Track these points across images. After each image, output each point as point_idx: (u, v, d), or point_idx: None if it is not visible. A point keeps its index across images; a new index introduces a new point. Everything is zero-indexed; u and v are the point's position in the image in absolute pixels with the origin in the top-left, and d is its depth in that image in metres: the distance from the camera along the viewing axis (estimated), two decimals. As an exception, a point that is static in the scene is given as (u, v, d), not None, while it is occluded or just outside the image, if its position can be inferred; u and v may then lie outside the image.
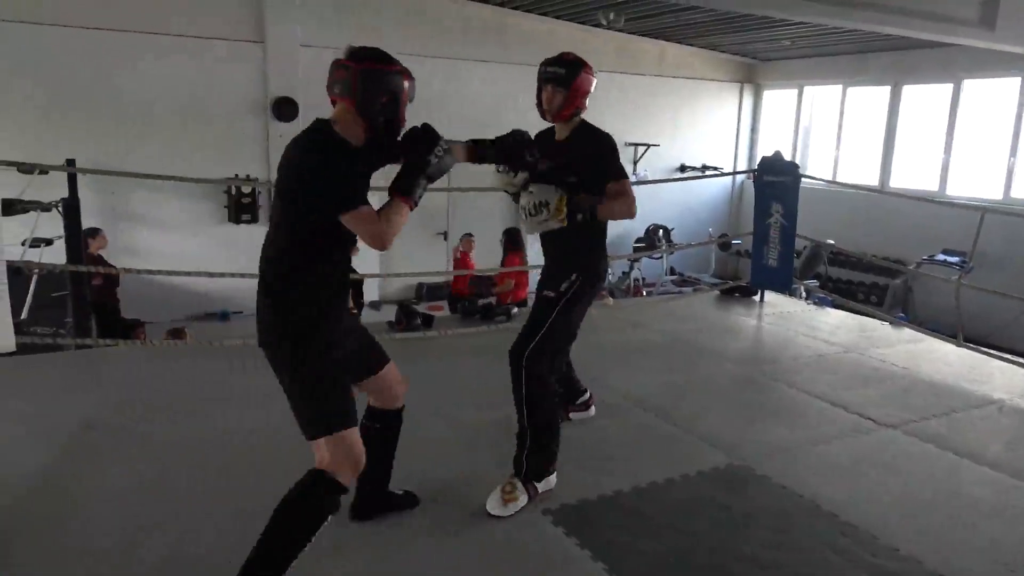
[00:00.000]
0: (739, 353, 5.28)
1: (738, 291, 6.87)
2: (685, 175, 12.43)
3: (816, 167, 11.82)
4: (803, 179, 6.21)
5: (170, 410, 3.87)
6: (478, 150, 2.73)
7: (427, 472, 3.16)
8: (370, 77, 2.23)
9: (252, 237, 9.17)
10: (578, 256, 3.10)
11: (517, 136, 2.82)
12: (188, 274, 6.00)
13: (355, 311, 7.20)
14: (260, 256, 2.33)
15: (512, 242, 8.26)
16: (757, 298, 6.69)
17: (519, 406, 3.00)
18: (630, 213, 2.98)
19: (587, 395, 3.83)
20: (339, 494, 2.25)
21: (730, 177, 13.04)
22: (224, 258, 8.68)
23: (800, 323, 6.06)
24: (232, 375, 4.42)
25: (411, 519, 2.85)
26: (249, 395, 3.97)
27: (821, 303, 7.22)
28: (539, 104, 3.10)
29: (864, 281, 10.69)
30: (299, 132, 2.29)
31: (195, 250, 8.74)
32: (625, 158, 11.95)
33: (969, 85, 9.95)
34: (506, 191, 3.16)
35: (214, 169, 8.68)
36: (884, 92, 10.86)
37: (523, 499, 2.93)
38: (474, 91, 10.42)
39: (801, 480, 3.28)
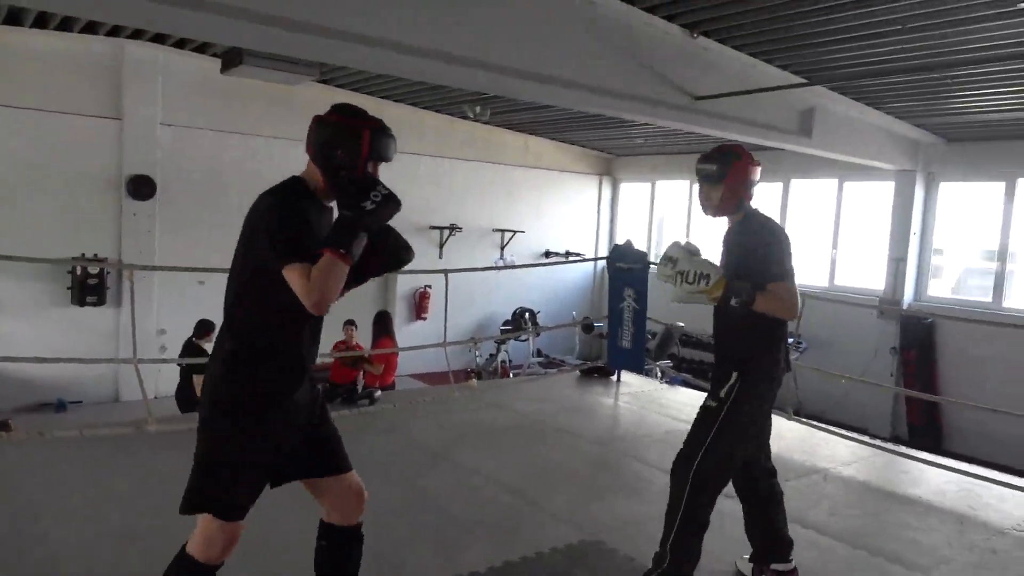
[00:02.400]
0: (594, 431, 5.46)
1: (596, 372, 7.15)
2: (550, 260, 12.94)
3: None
4: (653, 266, 6.67)
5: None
6: None
7: None
8: (325, 127, 2.19)
9: (97, 320, 8.68)
10: (738, 355, 2.83)
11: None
12: (14, 360, 5.53)
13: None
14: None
15: (383, 326, 8.18)
16: (614, 378, 6.98)
17: (669, 519, 2.81)
18: (787, 314, 2.73)
19: (792, 566, 3.12)
20: (207, 573, 2.14)
21: (592, 263, 13.70)
22: (63, 343, 8.10)
23: (652, 401, 6.37)
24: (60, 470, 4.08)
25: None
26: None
27: (673, 382, 7.63)
28: (701, 204, 2.92)
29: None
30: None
31: (29, 334, 8.09)
32: (492, 243, 12.41)
33: (796, 184, 11.14)
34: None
35: (58, 247, 8.16)
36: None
37: None
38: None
39: (647, 552, 3.39)
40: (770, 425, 3.08)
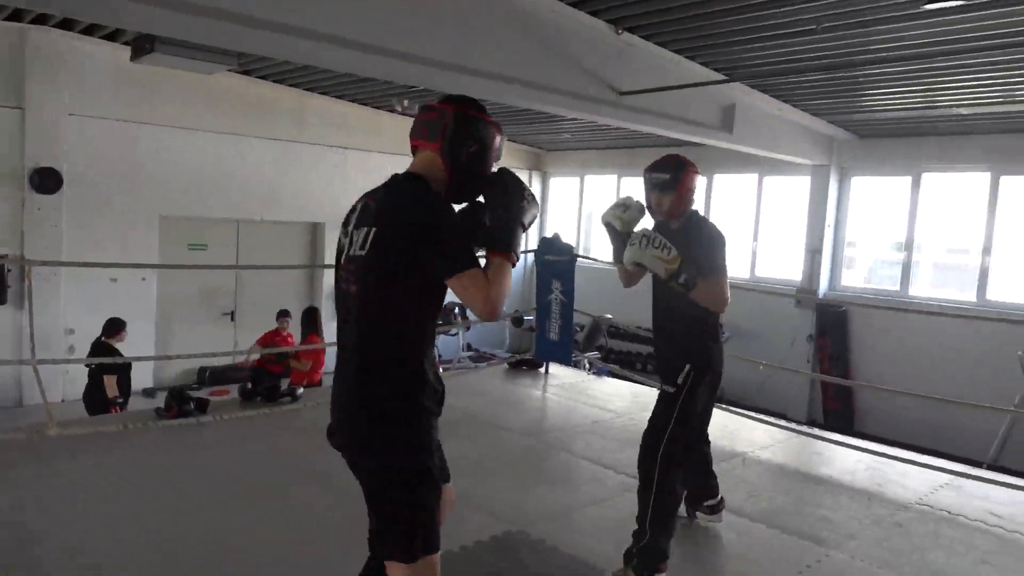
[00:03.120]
0: (522, 423, 5.48)
1: (525, 364, 7.18)
2: (479, 254, 12.91)
3: (599, 249, 12.84)
4: (581, 259, 6.73)
5: None
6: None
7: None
8: (464, 122, 2.03)
9: (-2, 320, 8.21)
10: (690, 348, 3.10)
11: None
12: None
13: (120, 399, 6.57)
14: (347, 354, 2.03)
15: (311, 322, 8.02)
16: (543, 370, 7.03)
17: (643, 500, 3.03)
18: (717, 304, 2.99)
19: (719, 499, 3.66)
20: None
21: (522, 256, 13.75)
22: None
23: (580, 392, 6.44)
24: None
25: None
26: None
27: (600, 373, 7.73)
28: (649, 207, 3.16)
29: (642, 352, 11.62)
30: (381, 189, 2.04)
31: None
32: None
33: (719, 179, 11.44)
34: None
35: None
36: (651, 183, 12.17)
37: None
38: (266, 167, 10.23)
39: (572, 541, 3.44)
40: (712, 404, 3.41)
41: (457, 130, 2.01)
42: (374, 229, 1.96)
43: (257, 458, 4.41)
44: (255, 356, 7.19)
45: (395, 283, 1.93)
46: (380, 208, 1.99)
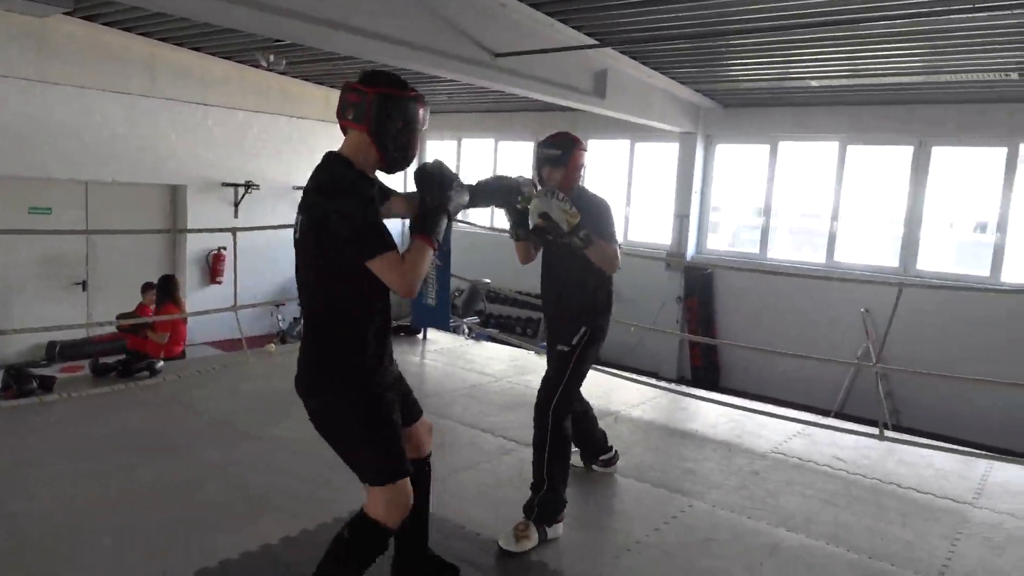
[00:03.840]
0: (400, 390, 5.41)
1: (403, 330, 7.08)
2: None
3: (476, 214, 12.80)
4: (458, 224, 6.66)
5: None
6: (474, 190, 2.64)
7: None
8: (386, 102, 2.18)
9: None
10: (585, 313, 3.34)
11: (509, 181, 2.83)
12: None
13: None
14: (303, 322, 2.34)
15: (166, 291, 7.49)
16: (421, 336, 6.95)
17: (539, 453, 3.22)
18: (611, 266, 3.26)
19: (612, 452, 3.99)
20: (387, 537, 2.31)
21: (398, 221, 13.51)
22: None
23: (458, 357, 6.44)
24: None
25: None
26: None
27: (479, 338, 7.76)
28: (540, 180, 3.31)
29: (521, 316, 11.78)
30: (315, 170, 2.27)
31: None
32: (293, 200, 11.75)
33: (593, 144, 11.63)
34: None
35: None
36: (528, 147, 12.23)
37: (535, 539, 3.12)
38: (116, 124, 9.42)
39: (448, 505, 3.43)
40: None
41: (380, 112, 2.18)
42: (301, 217, 2.23)
43: (105, 438, 4.10)
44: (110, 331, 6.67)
45: (325, 267, 2.20)
46: (305, 195, 2.24)
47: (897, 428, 6.78)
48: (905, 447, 4.67)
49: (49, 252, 9.23)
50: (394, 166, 2.29)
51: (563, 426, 3.27)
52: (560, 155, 3.29)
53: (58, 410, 4.52)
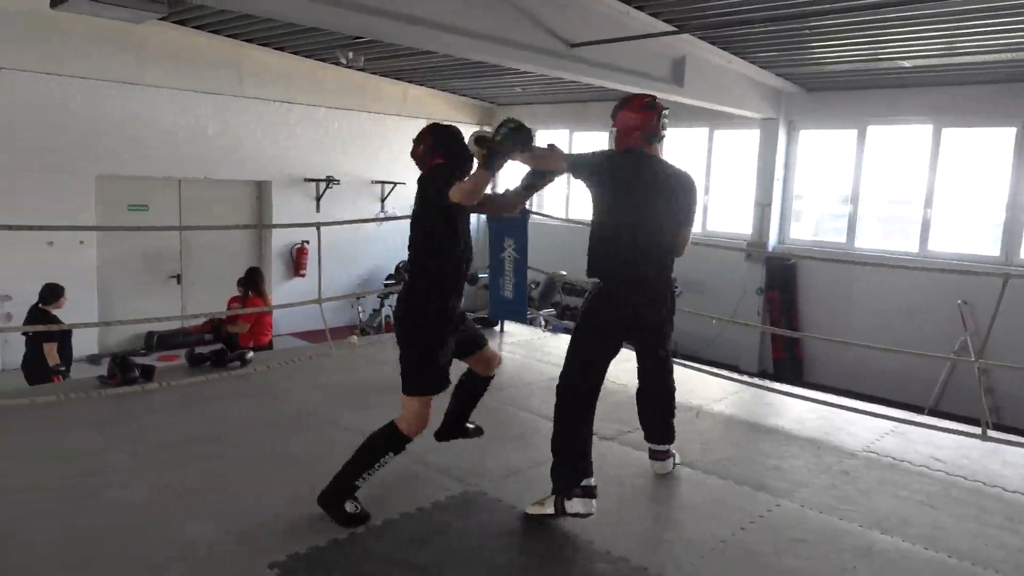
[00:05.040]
0: (479, 382, 5.45)
1: (480, 323, 7.12)
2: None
3: (552, 205, 12.77)
4: (533, 215, 6.66)
5: None
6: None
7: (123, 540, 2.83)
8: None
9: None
10: (589, 288, 3.41)
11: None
12: None
13: (62, 367, 6.32)
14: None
15: (251, 283, 7.76)
16: (498, 328, 6.99)
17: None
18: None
19: (663, 448, 3.78)
20: (405, 443, 3.15)
21: (474, 215, 13.60)
22: None
23: (536, 350, 6.44)
24: None
25: None
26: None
27: (555, 330, 7.75)
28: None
29: (596, 308, 11.69)
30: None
31: None
32: (372, 195, 12.05)
33: (670, 132, 11.41)
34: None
35: None
36: (604, 137, 12.09)
37: (549, 508, 3.18)
38: (206, 123, 9.82)
39: (529, 499, 3.43)
40: (606, 351, 3.50)
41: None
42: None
43: (209, 423, 4.29)
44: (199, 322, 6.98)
45: (418, 223, 3.26)
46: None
47: (998, 427, 6.41)
48: (1010, 448, 4.40)
49: (147, 247, 9.73)
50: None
51: (562, 407, 3.27)
52: (612, 114, 3.43)
53: (161, 398, 4.76)
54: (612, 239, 3.33)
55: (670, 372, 3.71)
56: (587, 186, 3.41)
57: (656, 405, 3.71)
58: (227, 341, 6.00)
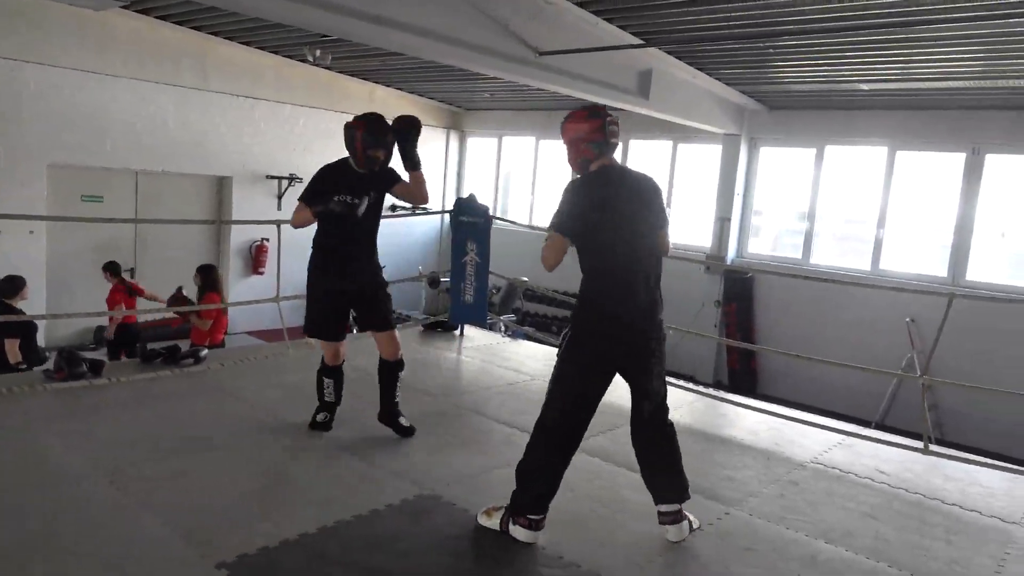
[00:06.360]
0: (436, 386, 5.44)
1: (440, 326, 7.12)
2: (396, 213, 12.68)
3: (516, 210, 12.82)
4: (497, 221, 6.67)
5: None
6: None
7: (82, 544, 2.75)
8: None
9: None
10: (573, 313, 3.28)
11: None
12: None
13: (24, 366, 6.08)
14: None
15: (208, 280, 7.62)
16: (458, 332, 6.98)
17: None
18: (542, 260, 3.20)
19: (675, 508, 3.27)
20: (327, 370, 4.28)
21: (439, 217, 13.59)
22: None
23: (495, 355, 6.45)
24: None
25: None
26: None
27: (515, 336, 7.76)
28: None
29: (557, 315, 11.75)
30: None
31: None
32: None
33: (635, 144, 11.57)
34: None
35: None
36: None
37: (494, 522, 3.18)
38: (168, 116, 9.64)
39: (484, 503, 3.44)
40: (593, 389, 3.30)
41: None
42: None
43: (158, 421, 4.20)
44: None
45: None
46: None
47: (941, 442, 6.61)
48: (950, 462, 4.54)
49: (100, 240, 9.49)
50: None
51: (536, 435, 3.12)
52: (560, 132, 3.29)
53: (109, 394, 4.64)
54: (601, 261, 3.13)
55: (667, 412, 3.41)
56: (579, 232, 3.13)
57: (654, 454, 3.31)
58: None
